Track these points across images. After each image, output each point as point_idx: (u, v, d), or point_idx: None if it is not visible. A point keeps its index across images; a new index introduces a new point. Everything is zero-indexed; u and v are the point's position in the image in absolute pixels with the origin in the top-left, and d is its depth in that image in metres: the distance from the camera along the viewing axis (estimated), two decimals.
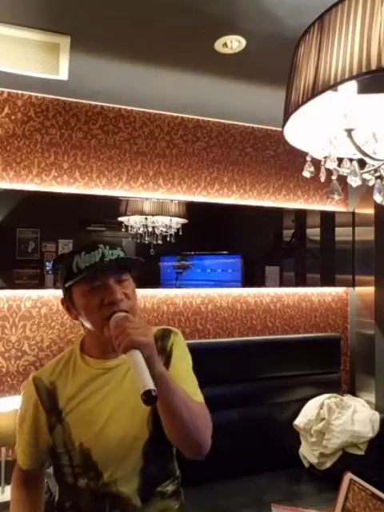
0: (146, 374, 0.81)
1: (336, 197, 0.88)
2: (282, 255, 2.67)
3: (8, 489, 1.79)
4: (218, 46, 1.70)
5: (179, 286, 2.39)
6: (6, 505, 1.67)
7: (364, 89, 0.83)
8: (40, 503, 1.09)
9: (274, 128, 2.61)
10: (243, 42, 1.67)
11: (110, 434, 0.99)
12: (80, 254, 0.97)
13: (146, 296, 2.32)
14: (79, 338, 1.11)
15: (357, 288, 2.68)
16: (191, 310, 2.41)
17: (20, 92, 2.15)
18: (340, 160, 0.88)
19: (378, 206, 2.45)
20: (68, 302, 1.02)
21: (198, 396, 1.02)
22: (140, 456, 1.00)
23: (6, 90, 2.12)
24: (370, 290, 2.56)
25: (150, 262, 2.37)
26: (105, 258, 0.97)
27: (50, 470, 1.15)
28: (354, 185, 0.84)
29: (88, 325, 0.99)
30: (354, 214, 2.71)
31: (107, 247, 0.98)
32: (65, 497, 1.05)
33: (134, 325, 0.87)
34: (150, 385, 0.78)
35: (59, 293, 2.37)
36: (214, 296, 2.46)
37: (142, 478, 1.00)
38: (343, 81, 0.71)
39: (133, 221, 2.33)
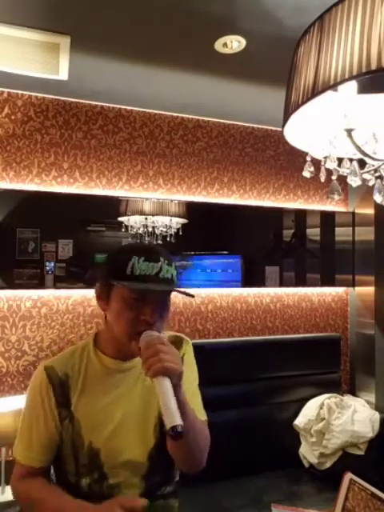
0: (174, 407, 0.77)
1: (336, 197, 0.88)
2: (282, 255, 2.67)
3: (8, 489, 1.79)
4: (218, 46, 1.69)
5: (179, 286, 2.39)
6: (6, 505, 1.68)
7: (364, 89, 0.83)
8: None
9: (274, 128, 2.61)
10: (243, 42, 1.66)
11: (121, 437, 0.97)
12: (139, 258, 0.90)
13: None
14: (92, 333, 1.08)
15: (357, 288, 2.68)
16: (191, 309, 2.41)
17: (20, 92, 2.15)
18: (340, 160, 0.88)
19: (377, 206, 2.45)
20: (103, 293, 0.97)
21: (201, 413, 1.03)
22: (146, 462, 0.99)
23: (6, 89, 2.12)
24: (370, 289, 2.56)
25: None
26: (160, 273, 0.92)
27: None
28: (354, 185, 0.84)
29: (114, 326, 0.96)
30: (354, 214, 2.71)
31: (166, 262, 0.93)
32: None
33: (166, 349, 0.83)
34: (178, 420, 0.74)
35: (59, 293, 2.37)
36: (214, 296, 2.46)
37: (145, 483, 1.00)
38: (343, 81, 0.71)
39: (133, 221, 2.33)
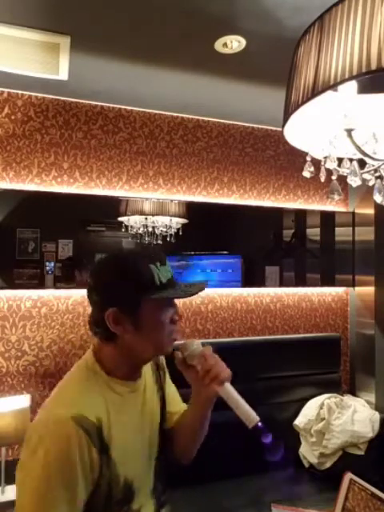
0: (248, 407, 0.86)
1: (336, 197, 0.88)
2: (282, 255, 2.67)
3: (8, 489, 1.79)
4: (218, 46, 1.69)
5: None
6: (6, 505, 1.68)
7: (364, 89, 0.83)
8: None
9: (274, 128, 2.61)
10: (243, 42, 1.66)
11: (146, 461, 0.96)
12: (155, 264, 0.88)
13: None
14: (90, 358, 0.93)
15: (357, 288, 2.68)
16: (191, 310, 2.41)
17: (20, 92, 2.15)
18: (340, 160, 0.88)
19: (377, 206, 2.45)
20: (130, 314, 0.87)
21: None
22: (152, 475, 0.99)
23: (6, 89, 2.12)
24: (370, 289, 2.56)
25: None
26: (172, 271, 0.94)
27: None
28: (354, 185, 0.84)
29: (147, 342, 0.90)
30: (354, 214, 2.71)
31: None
32: None
33: (217, 356, 0.91)
34: (257, 416, 0.85)
35: (59, 293, 2.36)
36: (214, 296, 2.46)
37: (154, 495, 0.99)
38: (343, 81, 0.71)
39: (133, 221, 2.33)
